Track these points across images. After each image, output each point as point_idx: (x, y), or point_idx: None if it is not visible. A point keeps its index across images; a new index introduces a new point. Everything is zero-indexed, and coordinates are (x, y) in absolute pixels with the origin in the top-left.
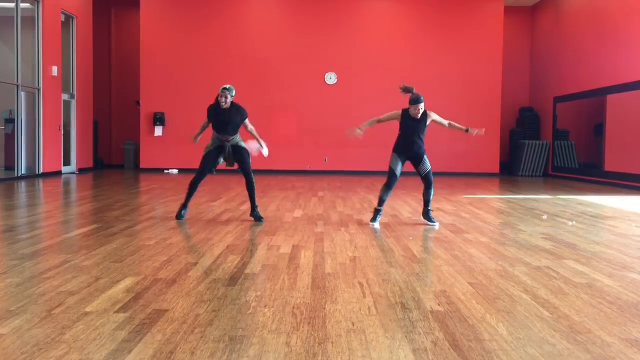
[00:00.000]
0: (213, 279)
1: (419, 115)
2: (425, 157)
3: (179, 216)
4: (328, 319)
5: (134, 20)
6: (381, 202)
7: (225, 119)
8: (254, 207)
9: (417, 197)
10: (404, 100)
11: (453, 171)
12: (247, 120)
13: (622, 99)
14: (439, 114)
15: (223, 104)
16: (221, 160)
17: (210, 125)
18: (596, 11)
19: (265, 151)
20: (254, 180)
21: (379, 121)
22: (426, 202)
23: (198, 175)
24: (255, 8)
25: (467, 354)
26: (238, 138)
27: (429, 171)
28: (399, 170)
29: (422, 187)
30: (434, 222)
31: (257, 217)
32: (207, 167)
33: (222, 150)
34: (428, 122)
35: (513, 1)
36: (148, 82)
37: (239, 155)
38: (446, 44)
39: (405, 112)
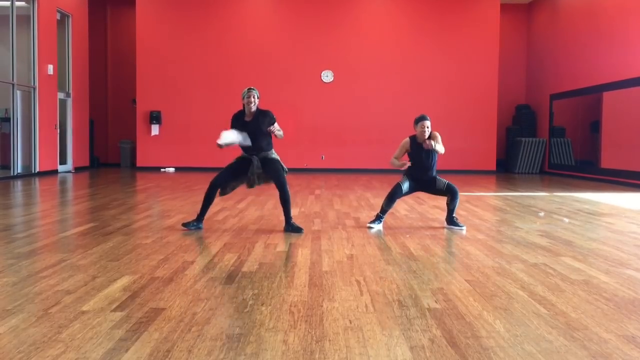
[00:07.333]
0: (210, 277)
1: (427, 135)
2: (437, 177)
3: (187, 225)
4: (325, 316)
5: (130, 19)
6: (383, 210)
7: (250, 129)
8: (288, 220)
9: (415, 194)
10: (401, 101)
11: (450, 169)
12: (276, 124)
13: (618, 96)
14: (441, 136)
15: (252, 106)
16: (251, 176)
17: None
18: (592, 8)
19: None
20: (289, 194)
21: (396, 159)
22: (451, 210)
23: (211, 187)
24: (251, 6)
25: (465, 351)
26: (271, 151)
27: (448, 183)
28: (406, 186)
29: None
30: (461, 226)
31: (294, 230)
32: (224, 179)
33: (250, 164)
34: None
35: None
36: (144, 80)
37: (271, 170)
38: (442, 42)
39: (412, 139)
